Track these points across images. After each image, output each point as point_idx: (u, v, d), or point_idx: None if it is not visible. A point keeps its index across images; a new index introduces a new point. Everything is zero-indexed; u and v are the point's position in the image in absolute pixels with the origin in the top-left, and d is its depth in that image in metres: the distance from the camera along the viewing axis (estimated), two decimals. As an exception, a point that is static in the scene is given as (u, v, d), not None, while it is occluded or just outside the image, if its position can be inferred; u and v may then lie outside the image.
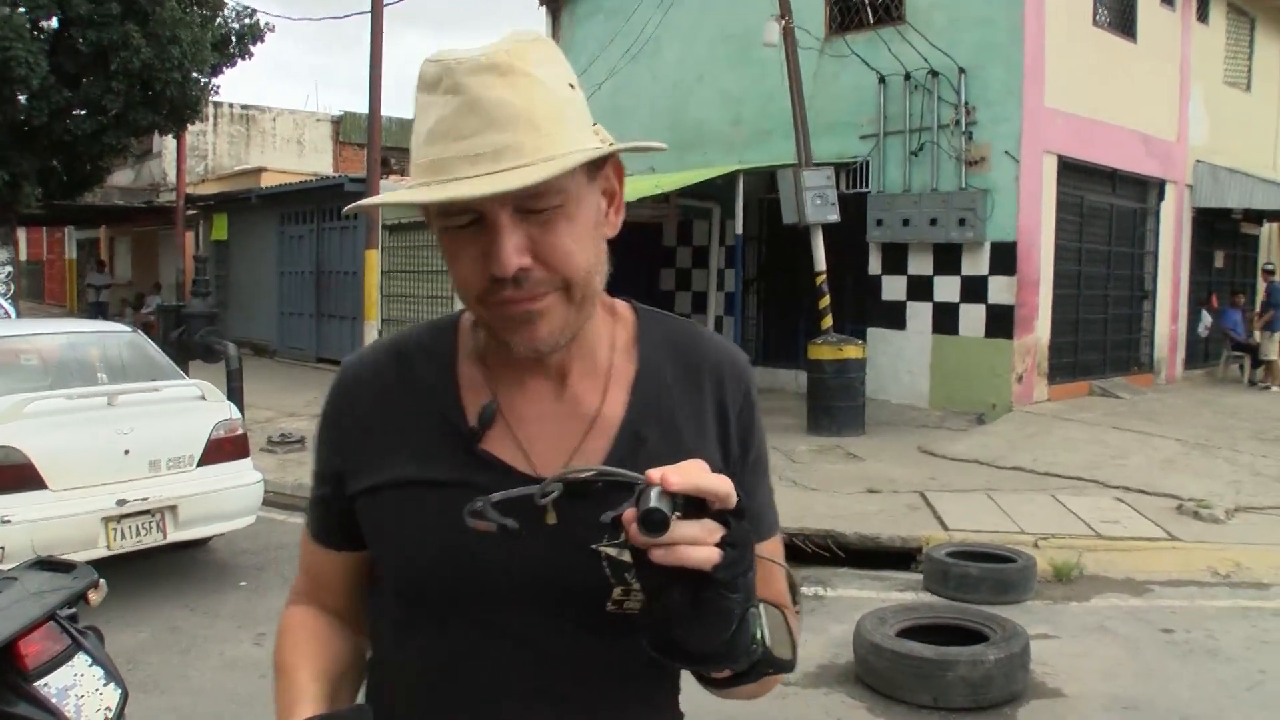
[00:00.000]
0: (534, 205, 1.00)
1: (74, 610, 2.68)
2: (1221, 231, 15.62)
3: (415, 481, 1.11)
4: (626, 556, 1.01)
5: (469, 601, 1.09)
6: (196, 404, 5.99)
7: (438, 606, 1.11)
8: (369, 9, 11.51)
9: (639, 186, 11.72)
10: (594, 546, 1.05)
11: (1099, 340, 12.83)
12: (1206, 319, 14.92)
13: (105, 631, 4.88)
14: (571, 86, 1.04)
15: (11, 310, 12.51)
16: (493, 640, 1.09)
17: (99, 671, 2.51)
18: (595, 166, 1.06)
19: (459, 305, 1.17)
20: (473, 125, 0.97)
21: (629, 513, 0.89)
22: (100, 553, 5.29)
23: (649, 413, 1.14)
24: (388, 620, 1.18)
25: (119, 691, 2.52)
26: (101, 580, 2.65)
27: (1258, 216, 15.92)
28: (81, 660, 2.49)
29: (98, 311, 20.67)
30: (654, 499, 0.87)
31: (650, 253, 15.37)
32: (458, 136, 0.98)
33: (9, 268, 17.46)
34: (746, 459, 1.20)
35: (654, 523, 0.86)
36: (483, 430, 1.11)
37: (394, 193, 1.08)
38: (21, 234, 26.96)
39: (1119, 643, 5.27)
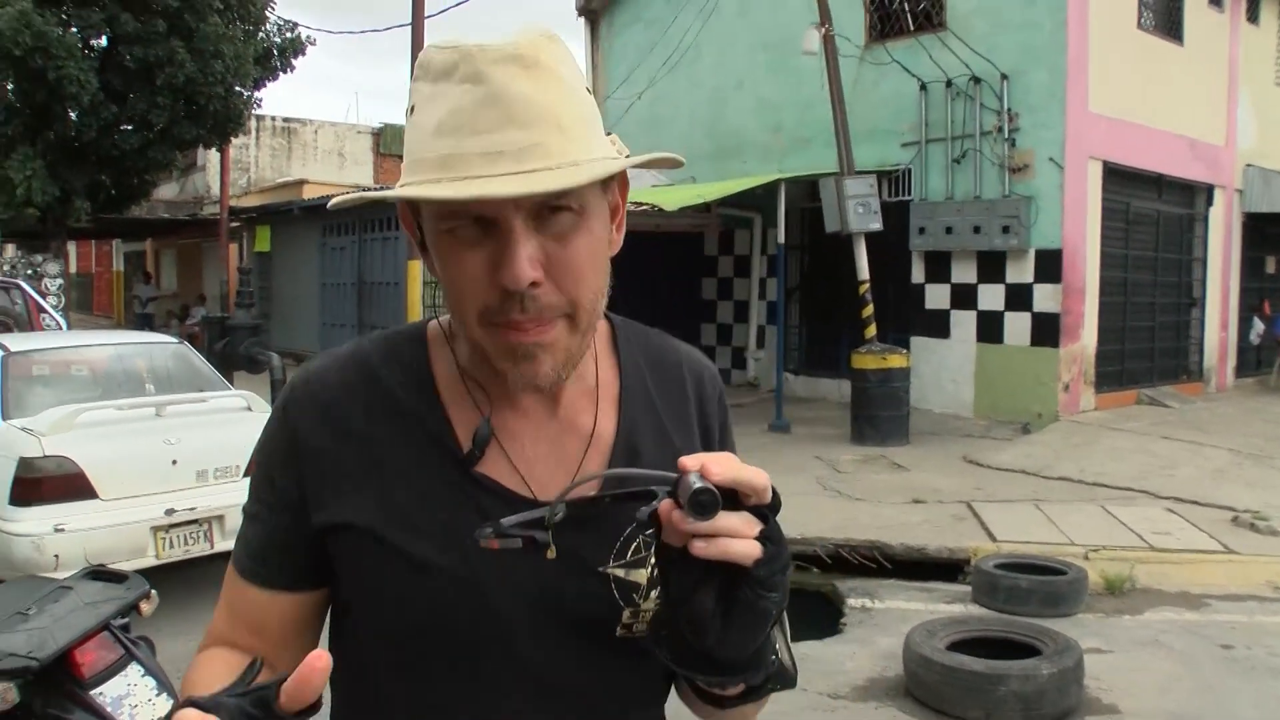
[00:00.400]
0: (550, 213, 0.92)
1: (127, 620, 2.70)
2: (1273, 236, 15.32)
3: (406, 512, 1.00)
4: (636, 576, 1.01)
5: (471, 637, 1.00)
6: (242, 414, 6.04)
7: (436, 645, 1.01)
8: (409, 22, 11.61)
9: (680, 195, 11.72)
10: (602, 569, 1.01)
11: (1146, 348, 12.63)
12: (1258, 326, 14.63)
13: (155, 640, 4.93)
14: (588, 90, 0.98)
15: (63, 322, 12.73)
16: (494, 675, 1.01)
17: (151, 682, 2.52)
18: (607, 179, 0.97)
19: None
20: (494, 120, 0.89)
21: (667, 503, 0.84)
22: (149, 562, 5.34)
23: (641, 426, 1.11)
24: (364, 665, 1.05)
25: (171, 702, 2.52)
26: (153, 591, 2.67)
27: (1311, 222, 15.61)
28: (135, 670, 2.50)
29: (144, 323, 20.97)
30: (698, 482, 0.81)
31: (692, 262, 15.35)
32: (476, 130, 0.89)
33: (60, 280, 17.74)
34: None
35: (704, 504, 0.80)
36: (479, 453, 1.01)
37: (398, 189, 0.92)
38: (71, 247, 27.46)
39: (1175, 658, 5.15)
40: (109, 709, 2.38)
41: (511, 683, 1.01)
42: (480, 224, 0.92)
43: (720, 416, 1.19)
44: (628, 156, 1.00)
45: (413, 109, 0.94)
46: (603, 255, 0.99)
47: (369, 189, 17.52)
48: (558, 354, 0.97)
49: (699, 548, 0.83)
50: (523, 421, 1.05)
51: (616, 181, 1.02)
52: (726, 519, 0.83)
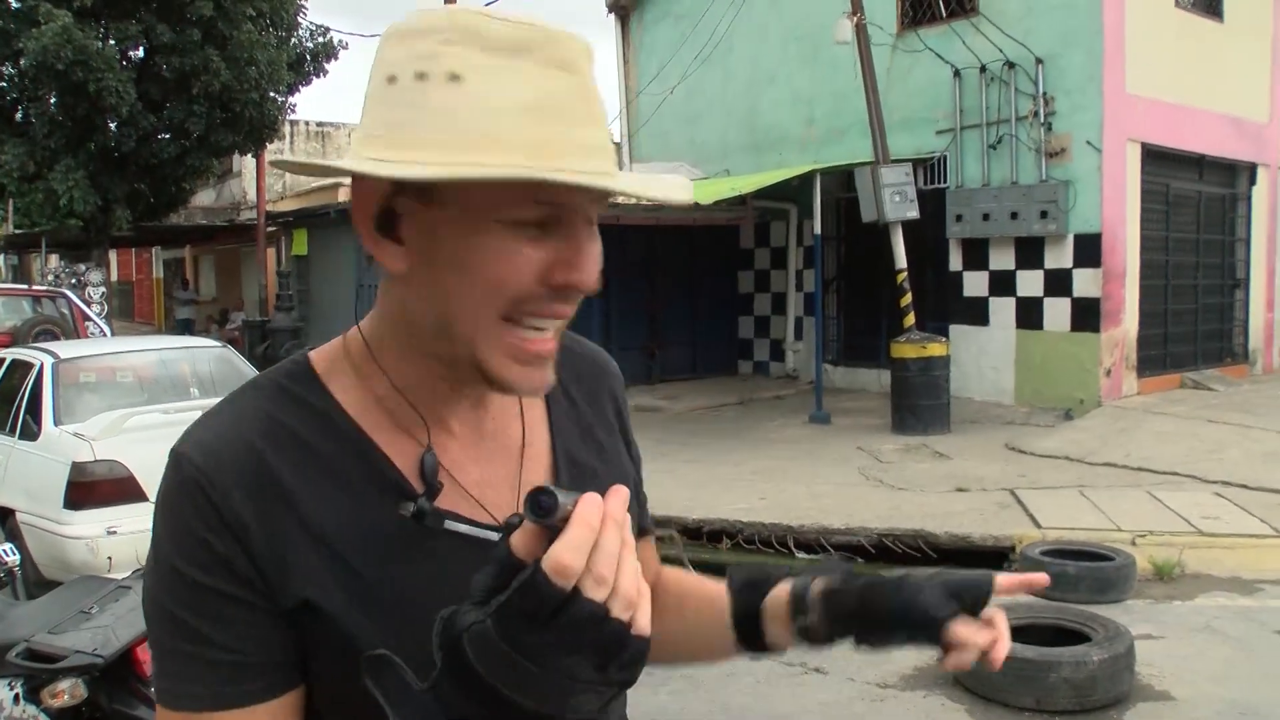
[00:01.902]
0: (593, 217, 0.89)
1: (184, 618, 2.74)
2: (1318, 215, 15.08)
3: (367, 580, 0.88)
4: None
5: None
6: (287, 415, 6.10)
7: None
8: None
9: (715, 189, 11.70)
10: None
11: (1189, 331, 12.44)
12: (1304, 306, 14.39)
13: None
14: None
15: (107, 329, 12.95)
16: None
17: (211, 678, 2.56)
18: None
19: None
20: (587, 114, 0.85)
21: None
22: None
23: (571, 430, 1.08)
24: None
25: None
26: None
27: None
28: (194, 667, 2.54)
29: (184, 329, 21.25)
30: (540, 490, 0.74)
31: (728, 255, 15.31)
32: (575, 121, 0.84)
33: (103, 288, 18.03)
34: (635, 456, 1.18)
35: (543, 506, 0.72)
36: (434, 489, 0.91)
37: (525, 170, 0.81)
38: (112, 256, 27.87)
39: (1229, 644, 5.08)
40: (171, 705, 2.42)
41: None
42: (547, 221, 0.85)
43: (626, 412, 1.17)
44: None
45: (455, 76, 0.83)
46: None
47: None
48: (554, 360, 0.93)
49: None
50: (461, 444, 0.97)
51: None
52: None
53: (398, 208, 0.87)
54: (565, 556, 0.69)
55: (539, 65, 0.83)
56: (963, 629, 1.02)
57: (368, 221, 0.89)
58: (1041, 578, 1.06)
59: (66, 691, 2.33)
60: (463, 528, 0.90)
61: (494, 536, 0.86)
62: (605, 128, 0.88)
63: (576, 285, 0.87)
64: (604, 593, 0.70)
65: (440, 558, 0.89)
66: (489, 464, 0.98)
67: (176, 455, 0.88)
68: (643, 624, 0.72)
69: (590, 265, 0.87)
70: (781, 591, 1.11)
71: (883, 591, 1.07)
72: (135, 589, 2.64)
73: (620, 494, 0.74)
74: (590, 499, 0.72)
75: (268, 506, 0.86)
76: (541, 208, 0.84)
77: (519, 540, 0.72)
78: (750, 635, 1.13)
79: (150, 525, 0.90)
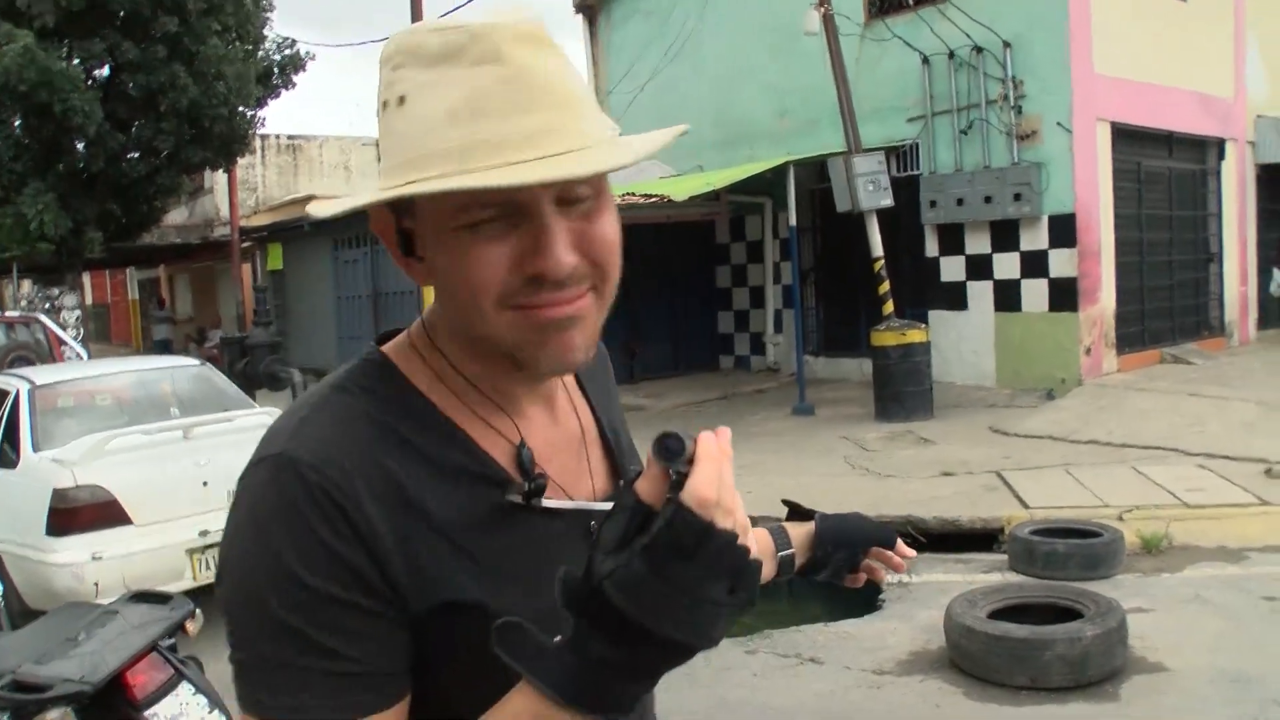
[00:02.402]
0: (576, 196, 0.88)
1: (174, 641, 2.72)
2: (1289, 186, 15.20)
3: (498, 572, 0.91)
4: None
5: None
6: (270, 431, 6.06)
7: None
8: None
9: (688, 185, 11.70)
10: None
11: (1166, 307, 12.53)
12: (1278, 277, 14.49)
13: (201, 661, 4.97)
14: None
15: (83, 352, 12.83)
16: None
17: (203, 699, 2.54)
18: None
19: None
20: (519, 101, 0.84)
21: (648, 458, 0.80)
22: (187, 584, 5.38)
23: (606, 410, 1.14)
24: None
25: (224, 717, 2.55)
26: (197, 611, 2.69)
27: (1326, 169, 15.44)
28: (186, 689, 2.52)
29: (162, 349, 21.11)
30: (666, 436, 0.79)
31: (704, 251, 15.32)
32: (502, 114, 0.83)
33: (78, 312, 17.90)
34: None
35: (670, 449, 0.77)
36: (537, 481, 0.94)
37: (420, 185, 0.83)
38: (86, 279, 27.63)
39: (1220, 613, 5.12)
40: (163, 728, 2.40)
41: None
42: (506, 216, 0.86)
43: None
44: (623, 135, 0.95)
45: (402, 99, 0.86)
46: (618, 229, 0.95)
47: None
48: (587, 329, 0.92)
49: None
50: (538, 433, 0.99)
51: None
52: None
53: (406, 227, 0.92)
54: (704, 490, 0.74)
55: (467, 67, 0.84)
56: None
57: (393, 246, 0.94)
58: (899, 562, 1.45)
59: (56, 720, 2.30)
60: (562, 504, 0.95)
61: (590, 507, 0.95)
62: (554, 106, 0.85)
63: (543, 274, 0.86)
64: (731, 521, 0.75)
65: (539, 537, 0.93)
66: (562, 451, 1.02)
67: (288, 460, 0.86)
68: (753, 549, 0.77)
69: (553, 252, 0.86)
70: (760, 533, 1.32)
71: (834, 523, 1.40)
72: (123, 613, 2.62)
73: (725, 432, 0.80)
74: (708, 437, 0.78)
75: (395, 512, 0.86)
76: (491, 208, 0.85)
77: (644, 486, 0.76)
78: None
79: (235, 530, 0.88)
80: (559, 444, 1.02)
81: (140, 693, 2.41)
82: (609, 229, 0.92)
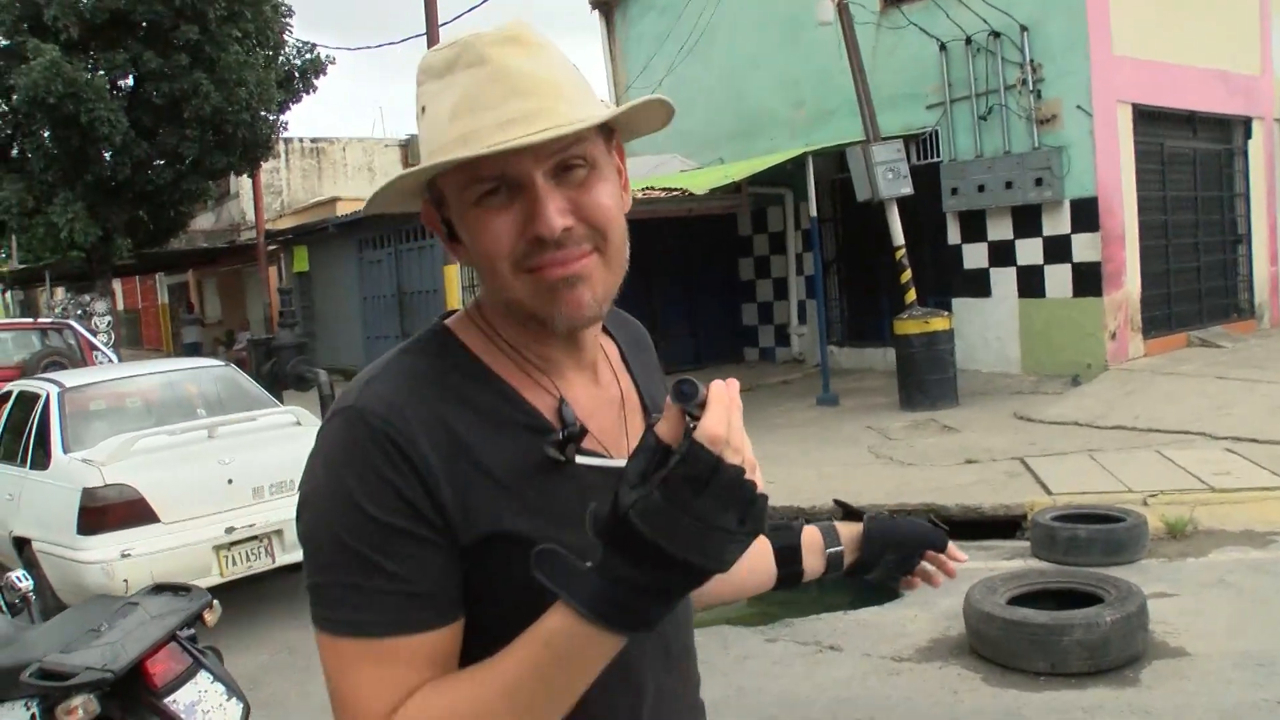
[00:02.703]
0: (565, 170, 1.01)
1: (193, 632, 2.78)
2: (1318, 164, 15.01)
3: (540, 508, 1.02)
4: None
5: None
6: (292, 430, 6.15)
7: None
8: (424, 31, 11.69)
9: (707, 178, 11.72)
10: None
11: (1193, 290, 12.41)
12: (1308, 257, 14.33)
13: (226, 656, 5.04)
14: (574, 66, 1.08)
15: (114, 357, 13.01)
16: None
17: (220, 687, 2.60)
18: (608, 142, 1.08)
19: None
20: (501, 93, 0.98)
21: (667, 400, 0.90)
22: (214, 580, 5.46)
23: (647, 384, 1.25)
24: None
25: (240, 705, 2.61)
26: (215, 601, 2.75)
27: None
28: (204, 677, 2.58)
29: (192, 352, 21.36)
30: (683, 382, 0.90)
31: (727, 243, 15.33)
32: (487, 105, 0.98)
33: (109, 317, 18.14)
34: None
35: (684, 393, 0.87)
36: (576, 431, 1.05)
37: (421, 165, 1.00)
38: (116, 285, 27.98)
39: (1243, 597, 5.08)
40: (183, 715, 2.46)
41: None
42: (507, 189, 1.00)
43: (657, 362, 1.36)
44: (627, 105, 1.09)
45: (424, 109, 1.03)
46: (621, 201, 1.08)
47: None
48: (595, 286, 1.04)
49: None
50: (581, 394, 1.12)
51: (616, 148, 1.11)
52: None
53: (446, 217, 1.07)
54: (715, 429, 0.83)
55: (460, 72, 1.00)
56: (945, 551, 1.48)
57: (441, 234, 1.10)
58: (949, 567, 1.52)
59: (80, 708, 2.36)
60: (595, 461, 1.06)
61: (620, 463, 0.98)
62: (532, 94, 0.99)
63: (539, 234, 0.99)
64: (739, 459, 0.84)
65: (578, 483, 1.04)
66: (602, 413, 1.13)
67: (357, 411, 0.99)
68: (761, 484, 0.86)
69: (544, 215, 0.99)
70: (811, 530, 1.45)
71: (883, 524, 1.47)
72: (144, 604, 2.68)
73: (734, 383, 0.89)
74: (719, 384, 0.87)
75: (448, 454, 0.98)
76: (488, 182, 0.99)
77: (663, 428, 0.87)
78: (788, 564, 1.42)
79: (312, 472, 1.01)
80: (599, 405, 1.14)
81: (160, 680, 2.47)
82: (603, 196, 1.03)
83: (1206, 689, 4.08)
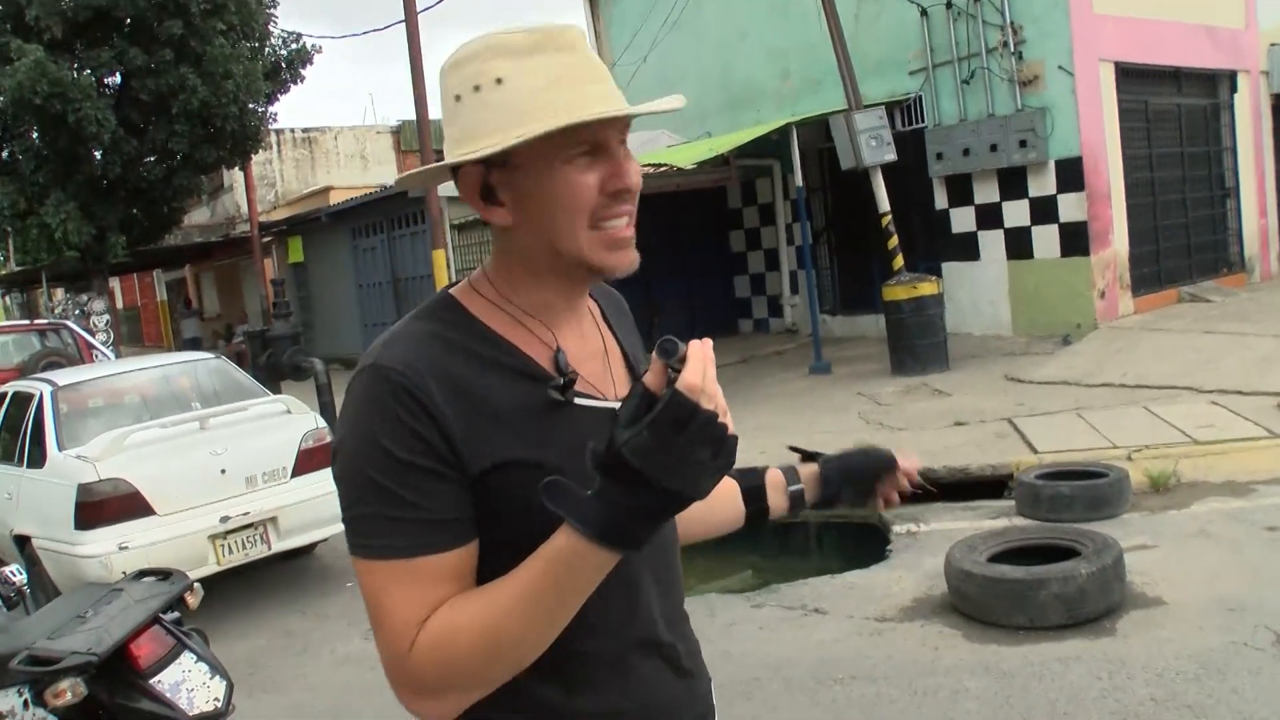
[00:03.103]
0: (623, 140, 1.21)
1: (178, 615, 2.87)
2: (1306, 115, 14.97)
3: (543, 440, 1.18)
4: None
5: None
6: (283, 418, 6.23)
7: None
8: (404, 19, 11.72)
9: (694, 152, 11.74)
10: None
11: (1182, 245, 12.42)
12: (1298, 209, 14.32)
13: (225, 641, 5.18)
14: None
15: (112, 356, 13.09)
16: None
17: (204, 666, 2.69)
18: None
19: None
20: (594, 74, 1.18)
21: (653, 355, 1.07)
22: (211, 569, 5.57)
23: (628, 341, 1.43)
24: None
25: (224, 682, 2.70)
26: (196, 584, 2.83)
27: (1345, 94, 15.14)
28: (188, 658, 2.67)
29: (192, 346, 21.45)
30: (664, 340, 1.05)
31: (717, 217, 15.36)
32: (589, 80, 1.17)
33: (107, 316, 18.25)
34: None
35: (667, 349, 1.02)
36: (571, 377, 1.22)
37: (542, 126, 1.14)
38: (115, 283, 28.08)
39: (1221, 546, 5.17)
40: (168, 695, 2.56)
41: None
42: (590, 153, 1.18)
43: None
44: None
45: (500, 80, 1.16)
46: None
47: (391, 188, 17.57)
48: (634, 246, 1.25)
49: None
50: (573, 345, 1.28)
51: None
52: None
53: (492, 181, 1.21)
54: (693, 379, 0.99)
55: (552, 54, 1.17)
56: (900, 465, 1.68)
57: (475, 198, 1.24)
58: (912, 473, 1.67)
59: (68, 690, 2.46)
60: (591, 402, 1.24)
61: (614, 405, 1.16)
62: (608, 80, 1.20)
63: (625, 187, 1.20)
64: (713, 405, 0.99)
65: (575, 423, 1.21)
66: (590, 361, 1.30)
67: (377, 367, 1.15)
68: (731, 427, 1.02)
69: (629, 171, 1.21)
70: (774, 471, 1.66)
71: (837, 461, 1.67)
72: (128, 590, 2.77)
73: (708, 342, 1.04)
74: (696, 343, 1.03)
75: (458, 400, 1.14)
76: (583, 144, 1.17)
77: (649, 379, 1.02)
78: (754, 501, 1.62)
79: (342, 421, 1.17)
80: (588, 355, 1.30)
81: (144, 662, 2.56)
82: (637, 165, 1.25)
83: (1180, 635, 4.17)
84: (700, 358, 1.01)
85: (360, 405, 1.15)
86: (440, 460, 1.12)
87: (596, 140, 1.18)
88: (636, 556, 1.12)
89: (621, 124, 1.20)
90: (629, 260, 1.24)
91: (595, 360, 1.32)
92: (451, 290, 1.29)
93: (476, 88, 1.18)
